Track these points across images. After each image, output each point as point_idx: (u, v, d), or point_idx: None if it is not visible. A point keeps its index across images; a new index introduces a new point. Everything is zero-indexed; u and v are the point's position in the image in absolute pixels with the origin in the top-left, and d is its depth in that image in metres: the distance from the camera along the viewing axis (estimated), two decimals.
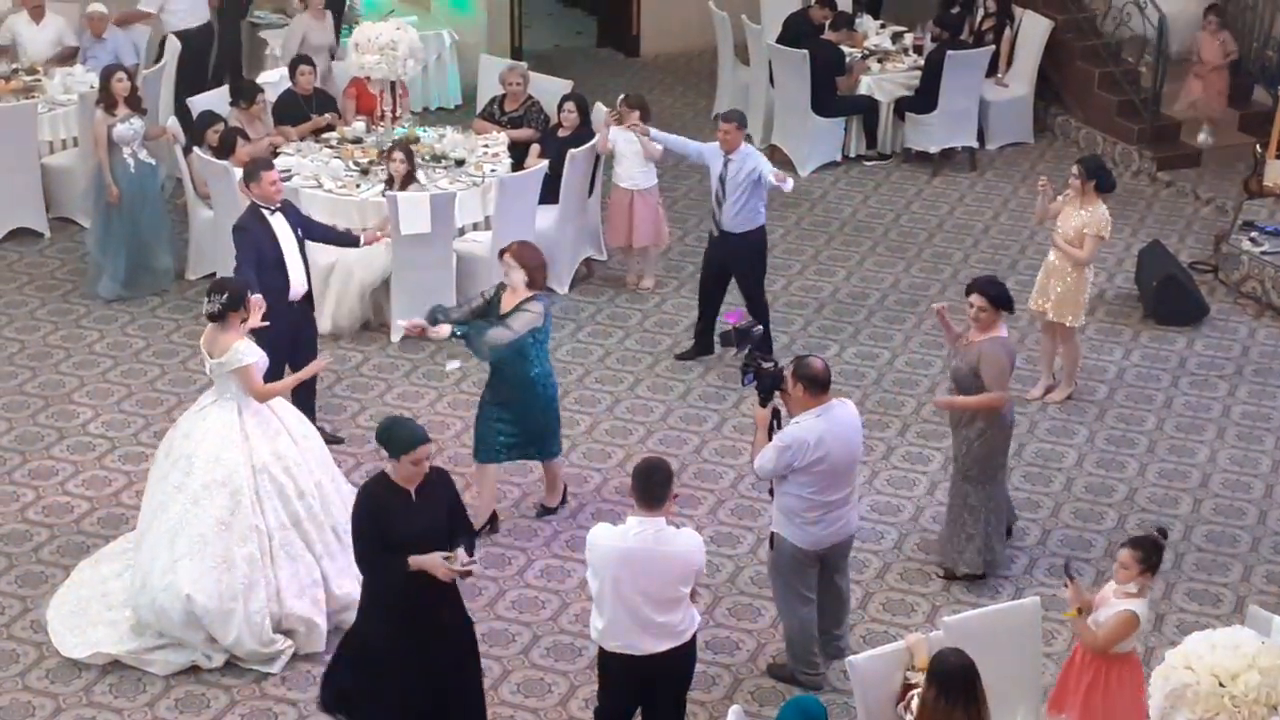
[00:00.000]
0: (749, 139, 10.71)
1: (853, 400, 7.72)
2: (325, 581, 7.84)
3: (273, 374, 8.09)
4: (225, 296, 7.72)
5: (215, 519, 7.57)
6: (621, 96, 11.33)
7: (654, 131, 10.91)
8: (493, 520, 8.82)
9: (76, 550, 8.56)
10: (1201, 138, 13.91)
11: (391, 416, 7.34)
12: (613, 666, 6.66)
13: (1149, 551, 6.60)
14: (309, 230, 9.38)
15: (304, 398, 9.10)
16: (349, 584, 7.92)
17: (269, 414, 7.81)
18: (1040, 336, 10.45)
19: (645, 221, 11.33)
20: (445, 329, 8.41)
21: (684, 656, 6.70)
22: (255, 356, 7.72)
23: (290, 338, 8.93)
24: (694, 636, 6.72)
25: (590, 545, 6.53)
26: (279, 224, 9.07)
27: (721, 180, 10.08)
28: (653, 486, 6.48)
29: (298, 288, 9.13)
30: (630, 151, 11.15)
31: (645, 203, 11.30)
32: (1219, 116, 13.90)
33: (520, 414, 8.61)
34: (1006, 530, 8.64)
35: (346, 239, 9.73)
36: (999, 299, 8.19)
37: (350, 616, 7.95)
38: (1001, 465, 8.42)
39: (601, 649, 6.67)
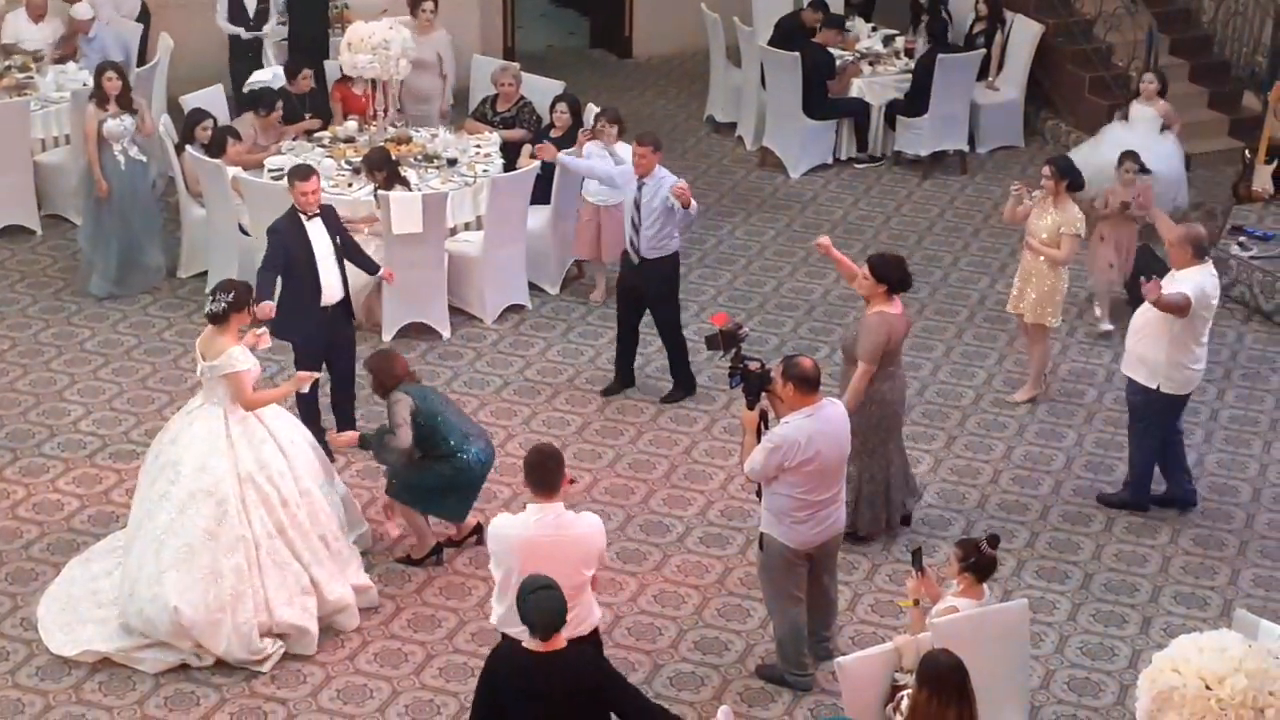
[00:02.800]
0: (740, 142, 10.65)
1: (843, 403, 7.75)
2: (317, 587, 7.84)
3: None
4: (231, 296, 7.69)
5: (202, 529, 7.56)
6: (598, 111, 11.15)
7: (563, 158, 10.59)
8: (477, 531, 8.74)
9: (67, 548, 8.56)
10: (1099, 311, 11.25)
11: (534, 594, 5.95)
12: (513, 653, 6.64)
13: (968, 552, 6.93)
14: (346, 243, 9.39)
15: (342, 402, 9.35)
16: (340, 588, 7.93)
17: (254, 421, 7.78)
18: (1024, 340, 10.51)
19: (615, 235, 11.04)
20: (354, 435, 8.37)
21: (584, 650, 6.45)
22: (248, 365, 7.68)
23: (325, 341, 9.00)
24: (596, 631, 6.68)
25: (493, 535, 6.58)
26: (315, 229, 9.08)
27: (637, 205, 9.83)
28: (547, 473, 6.55)
29: (331, 293, 9.14)
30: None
31: (613, 218, 10.97)
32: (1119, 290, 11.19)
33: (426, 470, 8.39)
34: (905, 512, 8.91)
35: (369, 265, 9.65)
36: (881, 274, 8.37)
37: (345, 619, 7.98)
38: (885, 441, 8.60)
39: (502, 634, 6.65)
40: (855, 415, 8.26)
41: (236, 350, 7.66)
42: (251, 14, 13.18)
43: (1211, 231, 12.26)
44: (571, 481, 6.79)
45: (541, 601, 5.88)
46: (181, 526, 7.58)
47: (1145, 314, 8.82)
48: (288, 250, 9.01)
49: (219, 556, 7.57)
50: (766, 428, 7.51)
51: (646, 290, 10.05)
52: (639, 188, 9.82)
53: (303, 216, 9.08)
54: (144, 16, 13.83)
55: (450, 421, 8.35)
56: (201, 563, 7.56)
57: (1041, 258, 9.87)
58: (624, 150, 10.75)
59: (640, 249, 9.90)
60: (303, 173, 9.19)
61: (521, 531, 6.51)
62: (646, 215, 9.79)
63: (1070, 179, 9.86)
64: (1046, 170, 9.90)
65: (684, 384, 10.28)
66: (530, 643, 5.94)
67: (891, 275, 8.42)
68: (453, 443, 8.30)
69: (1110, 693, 7.82)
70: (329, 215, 9.27)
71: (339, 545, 8.00)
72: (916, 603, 7.03)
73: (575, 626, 6.42)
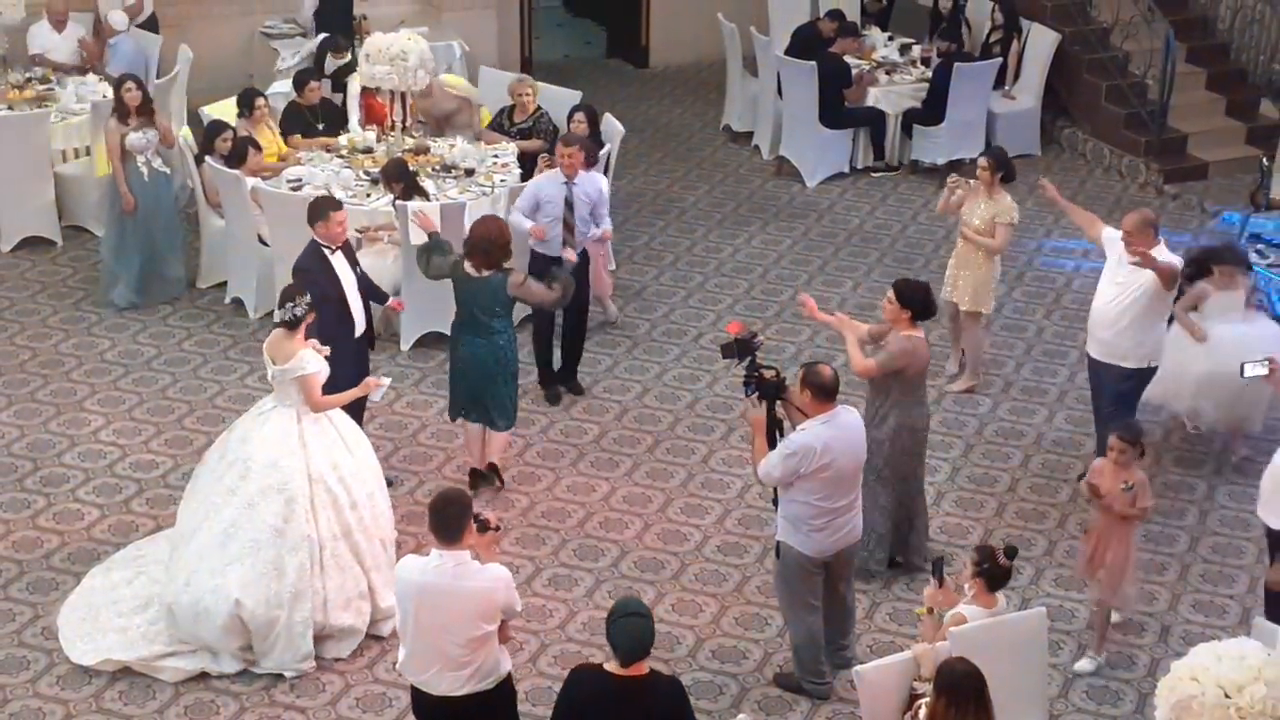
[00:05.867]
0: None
1: (859, 412, 7.75)
2: (372, 594, 7.91)
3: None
4: (308, 301, 7.76)
5: (269, 525, 7.62)
6: (561, 135, 10.96)
7: (515, 219, 10.14)
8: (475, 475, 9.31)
9: (87, 557, 8.60)
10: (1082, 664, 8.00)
11: (623, 618, 5.95)
12: (415, 701, 6.59)
13: (983, 558, 6.91)
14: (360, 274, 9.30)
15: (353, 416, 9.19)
16: (392, 593, 7.93)
17: (326, 423, 7.85)
18: (949, 326, 10.69)
19: (601, 270, 11.04)
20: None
21: (487, 705, 6.43)
22: (318, 366, 7.75)
23: (356, 374, 8.67)
24: (502, 686, 6.50)
25: (396, 576, 6.49)
26: (339, 263, 8.89)
27: (570, 205, 9.88)
28: (446, 520, 6.30)
29: (360, 325, 9.02)
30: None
31: (597, 251, 10.85)
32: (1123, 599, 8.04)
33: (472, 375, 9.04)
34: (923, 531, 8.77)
35: (379, 295, 9.50)
36: (906, 299, 8.28)
37: (387, 626, 7.99)
38: (914, 470, 8.50)
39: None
40: (889, 446, 8.30)
41: (307, 353, 7.73)
42: (329, 71, 13.01)
43: (1229, 240, 12.28)
44: (496, 528, 6.59)
45: (628, 627, 5.86)
46: (249, 521, 7.63)
47: (1119, 303, 8.94)
48: (320, 287, 8.66)
49: (284, 554, 7.63)
50: (781, 435, 7.52)
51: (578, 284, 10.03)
52: (570, 189, 9.94)
53: (326, 251, 8.86)
54: (153, 28, 13.87)
55: (461, 314, 9.02)
56: (266, 558, 7.61)
57: (971, 246, 10.11)
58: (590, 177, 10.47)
59: (578, 246, 9.99)
60: (335, 204, 9.01)
61: (418, 575, 6.32)
62: (580, 209, 9.95)
63: (1005, 171, 10.09)
64: (983, 161, 10.13)
65: (576, 388, 10.38)
66: (612, 666, 5.91)
67: (916, 302, 8.30)
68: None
69: (1129, 701, 7.81)
70: (347, 248, 9.13)
71: (394, 551, 8.08)
72: (931, 610, 7.04)
73: (478, 680, 6.38)
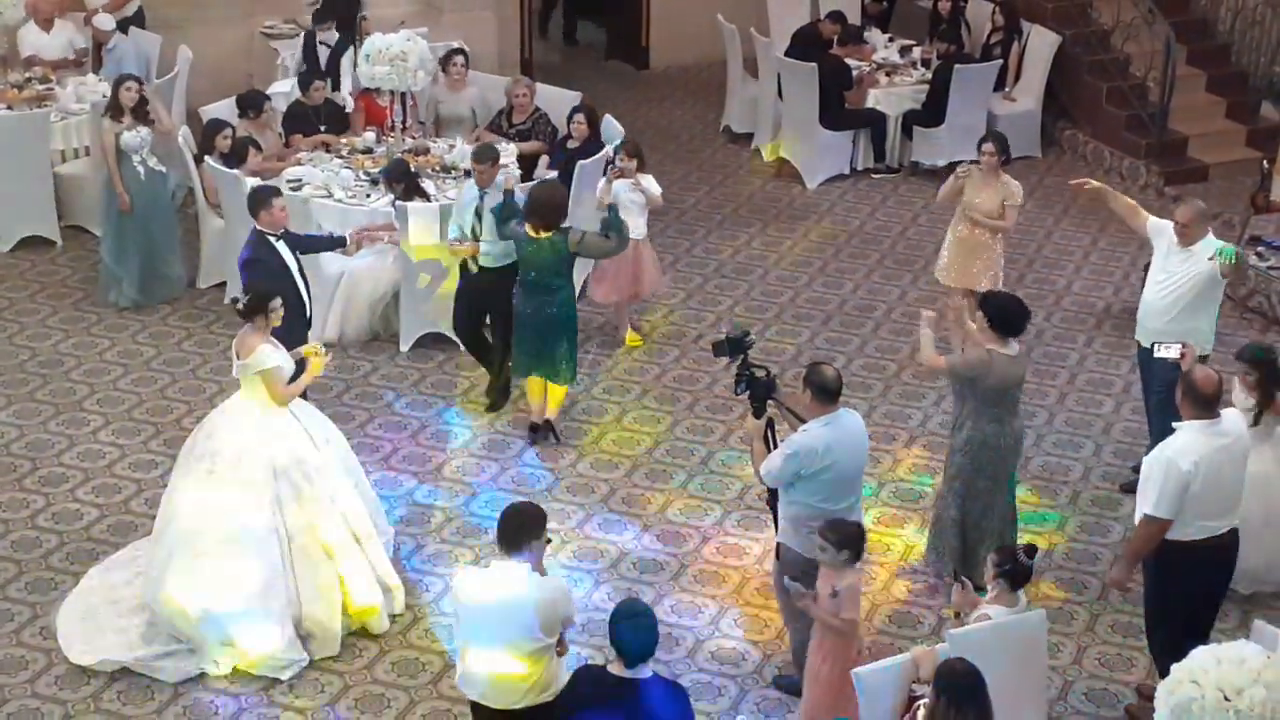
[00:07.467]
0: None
1: (859, 412, 7.74)
2: (347, 585, 7.91)
3: None
4: (249, 295, 7.85)
5: (237, 519, 7.63)
6: (618, 142, 11.02)
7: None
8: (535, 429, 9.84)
9: (86, 557, 8.60)
10: None
11: (627, 619, 5.96)
12: (476, 717, 6.56)
13: (1004, 559, 6.84)
14: (300, 245, 9.37)
15: None
16: (369, 587, 7.98)
17: (291, 418, 7.87)
18: (955, 309, 10.59)
19: (649, 269, 10.93)
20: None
21: (544, 718, 6.37)
22: (278, 361, 7.78)
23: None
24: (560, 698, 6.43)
25: (454, 589, 6.42)
26: (284, 250, 9.08)
27: (479, 215, 9.90)
28: (513, 531, 6.29)
29: (310, 308, 9.11)
30: (632, 202, 10.51)
31: (648, 251, 10.92)
32: None
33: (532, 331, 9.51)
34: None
35: (334, 242, 9.70)
36: (985, 309, 8.16)
37: (375, 622, 8.03)
38: (985, 489, 8.20)
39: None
40: (960, 456, 8.16)
41: (266, 348, 7.75)
42: (323, 64, 13.00)
43: (1229, 242, 12.27)
44: (548, 540, 6.56)
45: (632, 628, 5.86)
46: (216, 516, 7.64)
47: (1171, 292, 8.93)
48: (274, 274, 8.80)
49: (252, 548, 7.63)
50: (773, 436, 7.52)
51: (492, 299, 9.97)
52: (480, 198, 9.94)
53: (271, 238, 9.01)
54: (140, 23, 13.84)
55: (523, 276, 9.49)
56: (234, 553, 7.62)
57: (979, 230, 10.35)
58: (648, 181, 10.66)
59: (482, 259, 9.93)
60: (275, 191, 9.27)
61: (481, 589, 6.30)
62: (488, 223, 9.84)
63: (1006, 154, 10.40)
64: (988, 147, 10.32)
65: (505, 394, 10.28)
66: (615, 667, 5.90)
67: (994, 314, 8.05)
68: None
69: (1129, 703, 7.80)
70: (287, 232, 9.22)
71: (371, 544, 8.07)
72: (958, 614, 7.00)
73: (538, 693, 6.35)
